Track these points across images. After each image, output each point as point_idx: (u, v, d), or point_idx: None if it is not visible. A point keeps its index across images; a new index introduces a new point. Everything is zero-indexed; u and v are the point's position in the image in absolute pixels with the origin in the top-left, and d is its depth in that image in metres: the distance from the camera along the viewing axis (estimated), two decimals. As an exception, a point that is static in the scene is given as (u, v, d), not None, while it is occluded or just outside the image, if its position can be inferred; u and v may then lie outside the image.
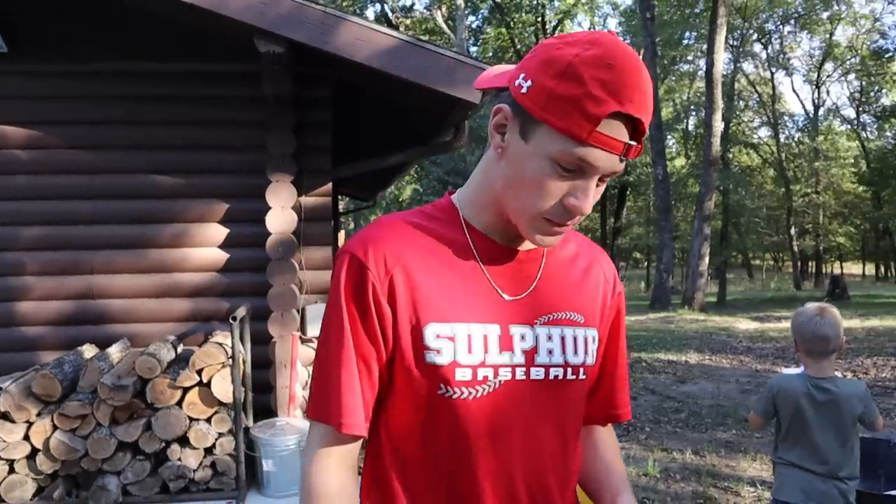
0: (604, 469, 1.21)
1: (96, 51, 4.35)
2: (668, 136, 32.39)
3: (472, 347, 0.99)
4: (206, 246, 4.46)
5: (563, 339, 1.06)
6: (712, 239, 21.09)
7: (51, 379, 3.71)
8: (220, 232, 4.46)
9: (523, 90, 0.93)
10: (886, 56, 32.29)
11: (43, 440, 3.67)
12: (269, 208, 4.28)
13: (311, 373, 0.97)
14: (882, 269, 43.86)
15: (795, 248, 35.41)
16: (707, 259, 18.94)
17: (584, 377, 1.09)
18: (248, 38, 3.79)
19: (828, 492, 2.53)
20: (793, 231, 34.49)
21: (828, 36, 34.15)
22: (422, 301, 0.99)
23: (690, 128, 36.17)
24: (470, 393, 0.98)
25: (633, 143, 0.91)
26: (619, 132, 0.89)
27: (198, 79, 4.41)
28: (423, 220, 1.06)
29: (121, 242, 4.40)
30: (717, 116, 18.78)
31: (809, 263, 42.13)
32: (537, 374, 1.03)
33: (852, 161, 37.64)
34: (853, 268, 48.23)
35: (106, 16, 4.33)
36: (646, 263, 41.81)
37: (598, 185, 0.96)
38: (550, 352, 1.04)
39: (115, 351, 4.14)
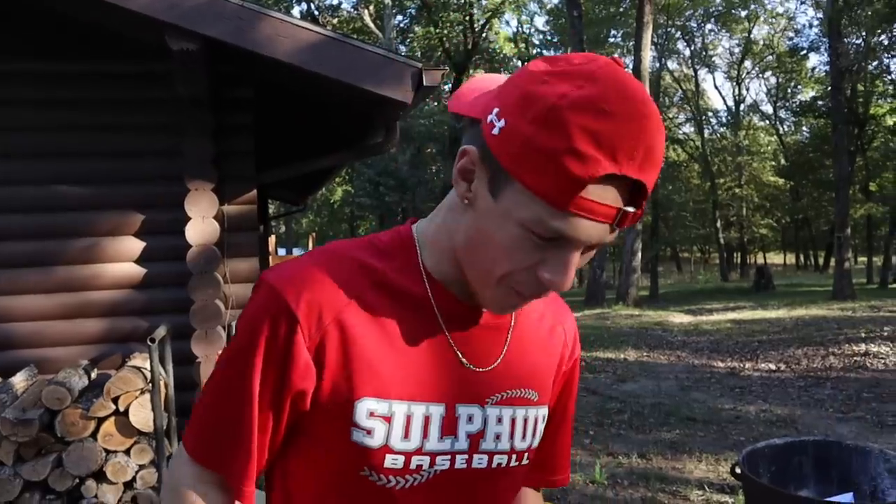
0: None
1: (-10, 50, 3.96)
2: (598, 134, 32.92)
3: (409, 432, 0.81)
4: (121, 261, 4.12)
5: (513, 421, 0.89)
6: (643, 234, 21.44)
7: (-56, 415, 3.33)
8: (135, 245, 4.13)
9: (495, 131, 0.72)
10: (801, 53, 33.59)
11: (-64, 484, 3.30)
12: (189, 218, 3.98)
13: (196, 404, 0.76)
14: (802, 259, 45.68)
15: (721, 241, 36.48)
16: (640, 254, 19.25)
17: (528, 461, 0.94)
18: (159, 34, 3.49)
19: None
20: (718, 224, 35.52)
21: (746, 34, 35.33)
22: (359, 370, 0.80)
23: (619, 125, 36.86)
24: (398, 483, 0.82)
25: (629, 209, 0.70)
26: (612, 197, 0.69)
27: (105, 80, 4.06)
28: (375, 258, 0.84)
29: (24, 259, 4.02)
30: (646, 113, 19.06)
31: (735, 255, 43.54)
32: (479, 461, 0.87)
33: (772, 155, 39.06)
34: (775, 258, 50.14)
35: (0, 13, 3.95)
36: (579, 259, 42.40)
37: (583, 254, 0.76)
38: (498, 437, 0.88)
39: (19, 380, 3.77)
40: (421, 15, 28.20)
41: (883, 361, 8.14)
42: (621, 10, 28.97)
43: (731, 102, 44.38)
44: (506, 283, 0.78)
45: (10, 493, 3.34)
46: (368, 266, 0.83)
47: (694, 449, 5.21)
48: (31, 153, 4.02)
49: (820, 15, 27.88)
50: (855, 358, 8.40)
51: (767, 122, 40.12)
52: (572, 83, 0.68)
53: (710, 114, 39.93)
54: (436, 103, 25.59)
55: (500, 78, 0.82)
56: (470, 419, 0.85)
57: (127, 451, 3.59)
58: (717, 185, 35.03)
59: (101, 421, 3.54)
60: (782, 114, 39.15)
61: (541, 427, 0.94)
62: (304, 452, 0.85)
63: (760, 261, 42.54)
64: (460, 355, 0.84)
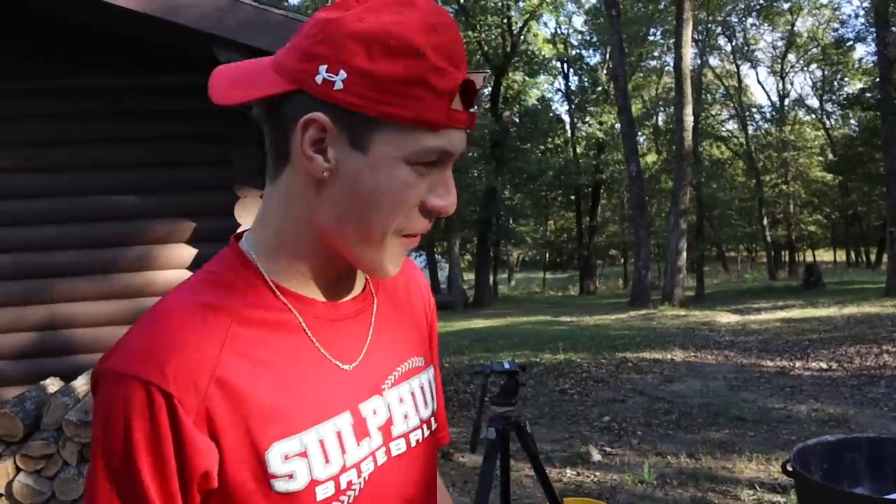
0: None
1: (45, 68, 4.13)
2: (639, 133, 32.58)
3: (328, 456, 0.76)
4: (174, 268, 4.25)
5: (412, 394, 0.88)
6: (688, 233, 21.16)
7: (11, 418, 3.48)
8: (187, 252, 4.26)
9: (337, 85, 0.68)
10: (847, 45, 32.77)
11: (5, 484, 3.44)
12: (239, 225, 4.09)
13: None
14: (853, 255, 44.51)
15: (768, 239, 35.75)
16: (685, 254, 18.97)
17: (433, 427, 0.92)
18: (207, 47, 3.60)
19: None
20: (765, 221, 34.81)
21: (789, 27, 34.61)
22: (257, 420, 0.71)
23: (660, 123, 36.41)
24: None
25: (472, 109, 0.74)
26: (460, 102, 0.72)
27: (155, 93, 4.21)
28: (218, 295, 0.75)
29: (83, 268, 4.18)
30: (688, 111, 18.82)
31: (783, 253, 42.61)
32: (398, 447, 0.84)
33: (819, 150, 38.15)
34: (825, 255, 48.89)
35: (52, 32, 4.12)
36: (622, 260, 41.99)
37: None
38: (406, 416, 0.86)
39: (80, 383, 3.91)
40: (459, 19, 28.31)
41: (940, 359, 7.91)
42: (661, 7, 28.63)
43: (775, 97, 43.53)
44: (402, 232, 0.76)
45: (75, 492, 3.47)
46: (218, 306, 0.73)
47: (744, 448, 5.13)
48: (89, 165, 4.19)
49: (866, 4, 27.18)
50: (910, 355, 8.18)
51: (814, 116, 39.21)
52: (393, 12, 0.69)
53: (753, 110, 39.18)
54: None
55: (240, 64, 0.78)
56: (375, 412, 0.82)
57: (183, 452, 3.69)
58: (763, 182, 34.35)
59: (158, 423, 3.65)
60: (829, 107, 38.20)
61: (433, 387, 0.94)
62: None
63: (809, 258, 41.56)
64: (338, 361, 0.79)
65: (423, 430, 0.89)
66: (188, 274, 4.24)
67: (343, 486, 0.77)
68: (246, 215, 4.08)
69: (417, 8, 0.70)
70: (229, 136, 4.15)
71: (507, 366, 2.68)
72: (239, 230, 0.85)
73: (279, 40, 3.56)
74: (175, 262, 4.25)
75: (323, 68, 0.69)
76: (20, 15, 4.06)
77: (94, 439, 0.70)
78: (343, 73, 0.68)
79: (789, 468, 2.59)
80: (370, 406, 0.82)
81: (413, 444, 0.86)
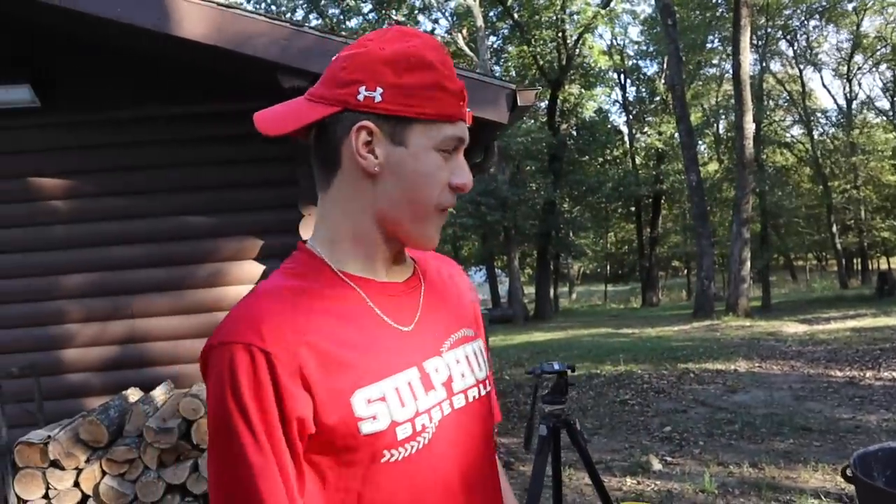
0: None
1: (122, 99, 4.43)
2: (700, 142, 32.02)
3: (403, 400, 0.91)
4: (243, 283, 4.47)
5: (467, 358, 1.05)
6: (752, 242, 20.69)
7: (97, 425, 3.73)
8: (256, 269, 4.48)
9: (377, 99, 0.90)
10: (919, 44, 31.59)
11: (92, 486, 3.68)
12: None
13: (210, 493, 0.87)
14: (931, 262, 42.57)
15: (839, 246, 34.55)
16: (748, 263, 18.56)
17: (489, 388, 1.09)
18: (272, 74, 3.82)
19: None
20: (834, 229, 33.67)
21: (855, 27, 33.56)
22: (339, 370, 0.87)
23: (721, 131, 35.72)
24: (414, 446, 0.92)
25: (467, 109, 0.98)
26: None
27: (222, 119, 4.44)
28: (297, 280, 0.93)
29: (159, 285, 4.44)
30: (748, 118, 18.49)
31: (854, 261, 41.13)
32: (459, 401, 1.00)
33: (891, 153, 36.76)
34: (900, 262, 46.93)
35: (128, 65, 4.41)
36: (685, 271, 41.16)
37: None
38: (462, 375, 1.02)
39: (159, 393, 4.15)
40: (514, 35, 28.46)
41: None
42: (718, 14, 28.20)
43: (841, 101, 42.10)
44: (440, 206, 0.95)
45: (155, 494, 3.69)
46: (298, 287, 0.91)
47: (809, 458, 5.06)
48: (164, 188, 4.45)
49: (937, 3, 26.19)
50: None
51: (885, 118, 37.83)
52: (404, 41, 0.92)
53: (818, 114, 38.04)
54: (532, 121, 25.65)
55: (276, 107, 0.98)
56: (437, 370, 0.98)
57: (255, 458, 3.87)
58: (831, 188, 33.28)
59: (231, 430, 3.84)
60: (901, 109, 36.80)
61: (484, 356, 1.10)
62: (332, 485, 0.89)
63: (883, 266, 39.99)
64: (399, 325, 0.96)
65: (479, 388, 1.05)
66: (257, 289, 4.46)
67: (419, 428, 0.92)
68: (309, 233, 4.27)
69: (419, 37, 0.93)
70: (293, 157, 4.36)
71: (556, 366, 2.79)
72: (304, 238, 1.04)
73: (339, 65, 3.75)
74: (244, 279, 4.47)
75: (362, 89, 0.90)
76: (103, 51, 4.36)
77: (209, 405, 0.86)
78: (380, 89, 0.89)
79: (849, 473, 2.60)
80: (432, 364, 0.98)
81: (471, 399, 1.02)
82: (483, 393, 1.06)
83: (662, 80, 31.32)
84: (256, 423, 0.83)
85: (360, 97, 0.90)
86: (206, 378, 0.87)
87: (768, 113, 32.23)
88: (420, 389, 0.94)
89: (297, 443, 0.86)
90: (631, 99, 34.90)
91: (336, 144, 0.93)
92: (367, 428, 0.88)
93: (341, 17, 27.48)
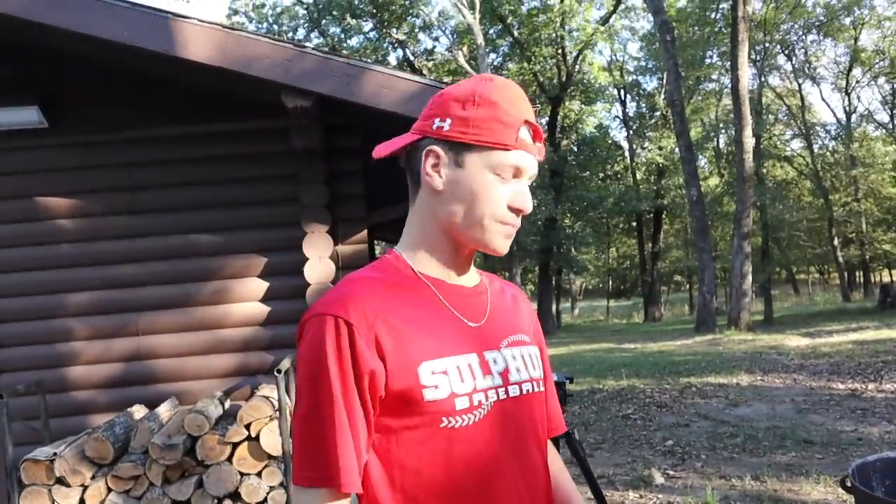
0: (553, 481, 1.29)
1: (128, 119, 4.49)
2: (700, 157, 32.09)
3: (462, 377, 1.07)
4: (248, 301, 4.51)
5: (522, 357, 1.18)
6: (753, 256, 20.70)
7: (103, 441, 3.76)
8: (260, 286, 4.52)
9: (446, 129, 1.09)
10: (916, 57, 31.73)
11: (98, 503, 3.71)
12: (307, 259, 4.33)
13: (292, 442, 1.06)
14: (933, 274, 42.49)
15: (840, 259, 34.54)
16: (750, 277, 18.57)
17: (543, 388, 1.23)
18: (275, 94, 3.88)
19: None
20: (836, 242, 33.67)
21: (853, 42, 33.74)
22: (409, 344, 1.04)
23: (721, 146, 35.81)
24: (470, 418, 1.06)
25: (538, 144, 1.13)
26: (528, 136, 1.11)
27: (227, 138, 4.51)
28: (381, 274, 1.12)
29: (164, 303, 4.48)
30: (748, 132, 18.57)
31: (856, 273, 41.09)
32: (514, 391, 1.13)
33: (891, 165, 36.80)
34: (903, 275, 46.85)
35: (134, 86, 4.48)
36: (687, 286, 41.13)
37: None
38: (518, 370, 1.16)
39: (163, 410, 4.19)
40: (514, 52, 28.63)
41: None
42: (716, 30, 28.38)
43: (840, 114, 42.20)
44: (496, 219, 1.11)
45: (161, 511, 3.72)
46: (380, 279, 1.11)
47: (811, 471, 5.08)
48: (171, 207, 4.50)
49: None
50: None
51: (884, 131, 37.92)
52: (475, 82, 1.12)
53: (818, 128, 38.14)
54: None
55: (389, 142, 1.17)
56: (495, 361, 1.12)
57: (259, 474, 3.91)
58: (832, 202, 33.31)
59: (235, 446, 3.88)
60: (900, 122, 36.89)
61: (539, 362, 1.24)
62: (396, 444, 1.05)
63: (886, 278, 39.93)
64: (466, 320, 1.13)
65: (533, 384, 1.18)
66: (261, 306, 4.48)
67: (475, 403, 1.07)
68: (314, 250, 4.32)
69: (493, 80, 1.13)
70: (297, 176, 4.42)
71: (555, 377, 2.83)
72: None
73: (342, 86, 3.82)
74: (249, 296, 4.51)
75: (437, 120, 1.11)
76: (111, 73, 4.43)
77: (299, 365, 1.04)
78: (448, 120, 1.10)
79: (848, 484, 2.63)
80: (491, 356, 1.13)
81: (524, 392, 1.16)
82: (537, 390, 1.19)
83: (662, 96, 31.48)
84: (336, 381, 1.00)
85: (434, 126, 1.11)
86: (300, 342, 1.06)
87: (768, 127, 32.33)
88: (479, 371, 1.09)
89: (369, 402, 1.02)
90: (631, 114, 35.04)
91: (416, 166, 1.13)
92: (430, 395, 1.03)
93: (342, 35, 27.70)
